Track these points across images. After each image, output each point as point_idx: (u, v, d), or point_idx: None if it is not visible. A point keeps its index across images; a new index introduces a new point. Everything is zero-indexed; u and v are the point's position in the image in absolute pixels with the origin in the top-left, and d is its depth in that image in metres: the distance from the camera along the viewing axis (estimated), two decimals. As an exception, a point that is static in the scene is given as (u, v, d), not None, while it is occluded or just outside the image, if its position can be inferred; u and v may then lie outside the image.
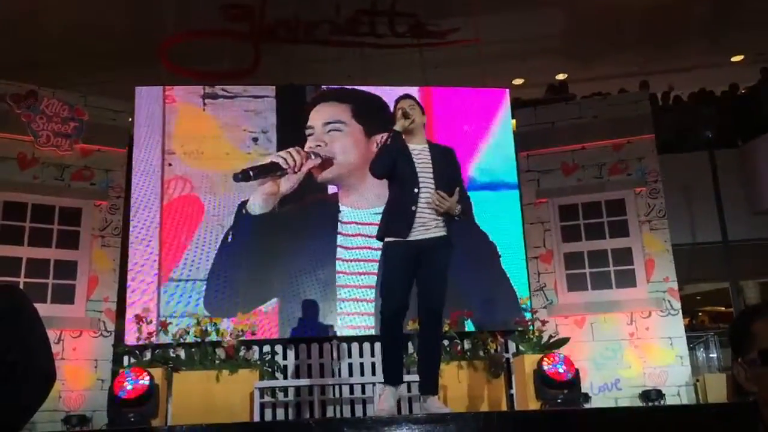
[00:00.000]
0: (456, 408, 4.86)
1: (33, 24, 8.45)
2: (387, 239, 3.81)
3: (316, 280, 6.45)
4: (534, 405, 5.33)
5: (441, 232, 3.78)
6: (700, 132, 8.00)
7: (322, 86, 7.17)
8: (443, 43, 7.72)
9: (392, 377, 3.84)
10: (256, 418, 5.22)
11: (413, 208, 3.73)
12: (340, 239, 6.57)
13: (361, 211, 6.63)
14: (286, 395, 5.96)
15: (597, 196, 6.95)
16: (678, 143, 8.47)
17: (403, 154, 3.81)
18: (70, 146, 6.40)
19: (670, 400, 6.22)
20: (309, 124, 6.85)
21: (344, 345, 6.28)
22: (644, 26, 9.84)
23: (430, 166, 3.82)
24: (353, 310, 6.44)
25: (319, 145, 6.70)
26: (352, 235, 6.56)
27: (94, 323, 6.12)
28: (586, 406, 5.87)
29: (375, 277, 6.39)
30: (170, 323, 5.60)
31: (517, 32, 9.71)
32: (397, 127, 3.83)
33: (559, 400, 5.24)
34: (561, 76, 10.93)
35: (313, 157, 6.62)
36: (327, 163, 6.67)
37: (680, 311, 6.55)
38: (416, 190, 3.75)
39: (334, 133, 6.80)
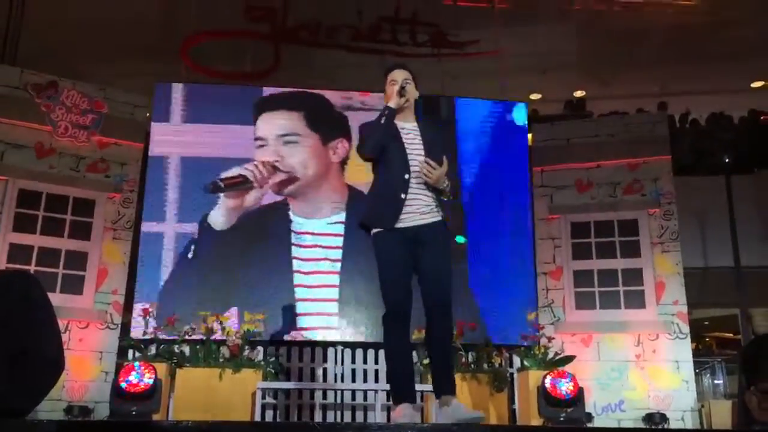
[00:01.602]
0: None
1: (56, 16, 8.54)
2: (375, 230, 3.40)
3: (274, 290, 6.29)
4: (536, 421, 5.30)
5: (437, 216, 3.41)
6: (716, 156, 7.97)
7: (265, 90, 6.94)
8: (463, 54, 7.74)
9: (406, 392, 3.31)
10: (257, 419, 5.22)
11: (402, 195, 3.33)
12: (294, 250, 6.39)
13: (315, 220, 6.48)
14: (287, 397, 5.96)
15: (610, 215, 6.91)
16: (694, 166, 8.44)
17: (393, 135, 3.42)
18: (88, 138, 6.44)
19: (674, 425, 6.15)
20: (259, 135, 6.65)
21: (347, 350, 6.27)
22: (665, 47, 9.82)
23: (421, 147, 3.43)
24: (317, 324, 6.28)
25: (278, 160, 6.52)
26: (309, 246, 6.38)
27: (101, 315, 6.14)
28: (589, 425, 5.83)
29: (337, 290, 6.29)
30: (177, 319, 5.60)
31: (536, 47, 9.71)
32: (392, 104, 3.41)
33: (561, 418, 5.20)
34: (579, 93, 10.92)
35: (277, 171, 6.47)
36: (292, 179, 6.52)
37: (689, 335, 6.49)
38: (407, 176, 3.36)
39: (291, 146, 6.62)
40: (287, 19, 7.55)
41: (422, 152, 3.41)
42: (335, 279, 6.35)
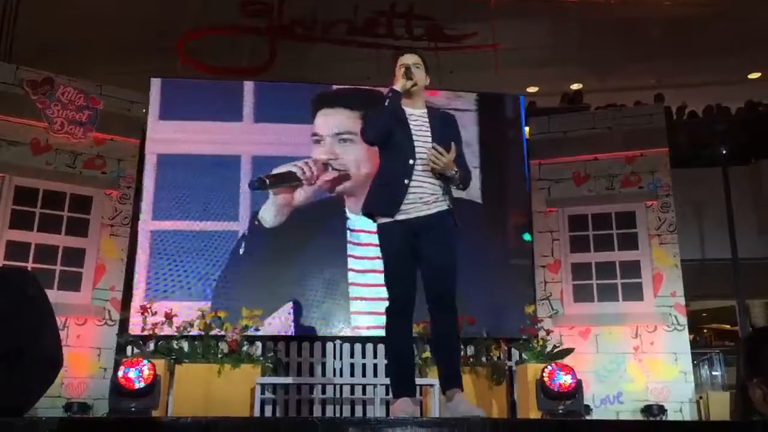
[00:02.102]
0: (457, 413, 4.84)
1: (52, 13, 8.50)
2: (379, 221, 3.29)
3: (328, 289, 6.34)
4: (535, 414, 5.31)
5: (443, 206, 3.27)
6: (713, 148, 7.96)
7: (331, 86, 6.95)
8: (460, 47, 7.72)
9: (405, 386, 3.22)
10: (256, 414, 5.22)
11: (406, 181, 3.20)
12: (350, 248, 6.41)
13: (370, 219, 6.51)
14: (286, 393, 5.96)
15: (607, 208, 6.91)
16: (691, 158, 8.44)
17: (400, 119, 3.30)
18: (84, 134, 6.43)
19: (673, 416, 6.18)
20: (316, 131, 6.67)
21: (347, 345, 6.27)
22: (661, 39, 9.81)
23: (429, 134, 3.30)
24: (370, 323, 6.28)
25: (332, 158, 6.54)
26: (364, 245, 6.35)
27: (99, 312, 6.14)
28: (588, 418, 5.84)
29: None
30: (175, 315, 5.59)
31: (534, 40, 9.71)
32: (398, 87, 3.31)
33: (560, 411, 5.22)
34: (576, 86, 10.91)
35: (330, 169, 6.49)
36: (343, 177, 6.52)
37: (686, 327, 6.51)
38: (411, 162, 3.22)
39: (347, 145, 6.61)
40: (283, 15, 7.52)
41: (429, 139, 3.29)
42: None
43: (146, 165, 6.47)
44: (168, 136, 6.58)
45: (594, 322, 6.62)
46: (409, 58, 3.40)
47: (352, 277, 6.37)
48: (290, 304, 6.26)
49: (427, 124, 3.34)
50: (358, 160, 6.58)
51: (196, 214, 6.40)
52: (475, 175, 6.40)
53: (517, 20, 9.02)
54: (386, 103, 3.28)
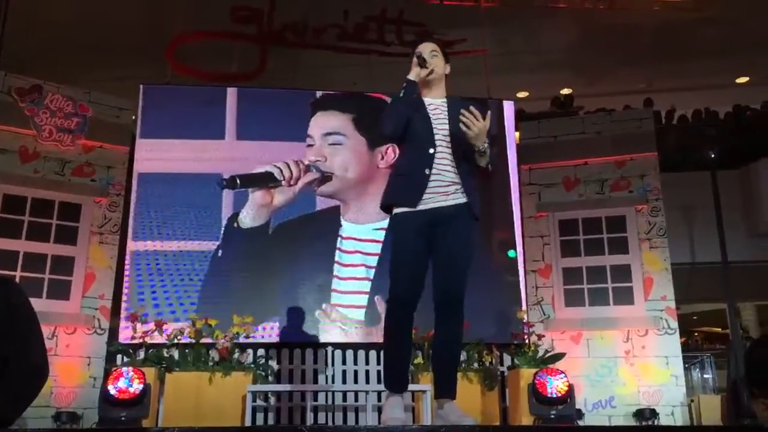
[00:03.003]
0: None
1: (40, 19, 8.46)
2: (396, 210, 3.14)
3: (312, 292, 6.30)
4: (527, 419, 5.30)
5: (462, 198, 3.12)
6: (702, 152, 8.00)
7: (319, 92, 6.92)
8: (449, 52, 7.71)
9: (396, 382, 3.11)
10: (248, 422, 5.19)
11: (426, 171, 3.07)
12: (338, 255, 6.39)
13: (360, 226, 6.45)
14: (278, 400, 5.93)
15: (598, 212, 6.94)
16: (680, 162, 8.48)
17: (418, 109, 3.18)
18: (73, 141, 6.39)
19: (664, 420, 6.19)
20: (309, 133, 6.64)
21: (338, 352, 6.25)
22: (650, 44, 9.87)
23: (447, 123, 3.17)
24: (332, 331, 6.28)
25: (319, 160, 6.47)
26: (350, 252, 6.36)
27: (88, 320, 6.09)
28: (580, 423, 5.85)
29: (366, 297, 6.27)
30: (165, 323, 5.56)
31: (523, 45, 9.74)
32: (412, 76, 3.18)
33: (552, 416, 5.21)
34: (566, 91, 10.95)
35: (313, 171, 6.41)
36: (326, 178, 6.46)
37: (677, 330, 6.53)
38: (432, 151, 3.10)
39: (335, 147, 6.57)
40: (273, 20, 7.52)
41: (448, 128, 3.16)
42: (367, 285, 6.30)
43: (135, 183, 6.43)
44: (154, 155, 6.52)
45: (585, 326, 6.63)
46: (426, 47, 3.28)
47: (335, 283, 6.35)
48: (282, 312, 6.23)
49: (446, 113, 3.21)
50: (346, 163, 6.54)
51: (178, 233, 6.34)
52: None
53: (506, 25, 9.06)
54: (400, 94, 3.15)
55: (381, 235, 6.34)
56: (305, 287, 6.34)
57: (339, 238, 6.43)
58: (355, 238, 6.42)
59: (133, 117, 6.77)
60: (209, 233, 6.38)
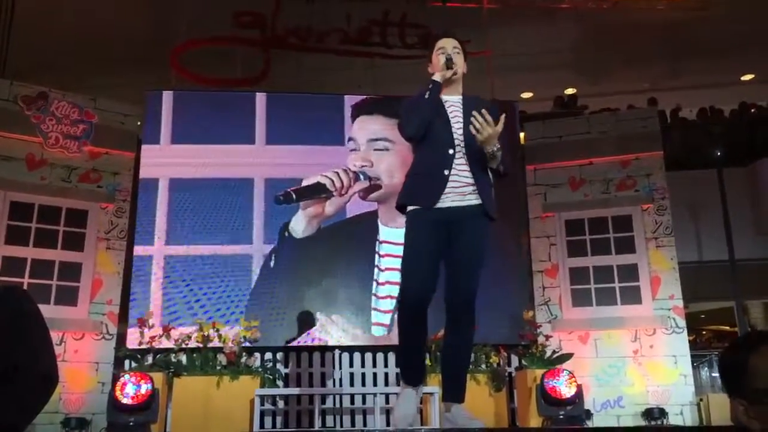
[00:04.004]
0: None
1: (45, 27, 8.51)
2: (411, 208, 3.10)
3: (353, 302, 6.32)
4: (536, 420, 5.29)
5: (477, 199, 3.08)
6: (708, 150, 7.99)
7: (363, 95, 6.89)
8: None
9: (412, 375, 3.10)
10: (256, 426, 5.20)
11: (446, 172, 3.03)
12: (377, 259, 6.37)
13: (396, 230, 6.33)
14: (286, 403, 5.94)
15: (604, 212, 6.92)
16: (686, 161, 8.46)
17: (437, 108, 3.14)
18: (79, 148, 6.42)
19: (673, 419, 6.16)
20: (352, 136, 6.63)
21: (345, 354, 6.25)
22: (654, 43, 9.85)
23: (462, 123, 3.13)
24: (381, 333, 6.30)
25: (365, 165, 6.46)
26: (385, 256, 6.33)
27: (96, 326, 6.11)
28: (588, 423, 5.83)
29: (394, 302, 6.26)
30: (173, 328, 5.58)
31: (527, 46, 9.73)
32: (438, 77, 3.12)
33: (561, 417, 5.20)
34: (570, 91, 10.94)
35: (361, 178, 6.39)
36: (375, 186, 6.43)
37: (685, 329, 6.51)
38: (451, 152, 3.06)
39: (381, 153, 6.55)
40: (277, 25, 7.54)
41: (463, 128, 3.12)
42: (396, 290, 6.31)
43: (159, 189, 6.46)
44: (160, 160, 6.54)
45: (593, 326, 6.61)
46: (449, 43, 3.22)
47: (374, 288, 6.35)
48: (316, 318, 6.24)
49: (462, 112, 3.16)
50: (392, 168, 6.50)
51: (209, 238, 6.37)
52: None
53: (509, 27, 9.06)
54: (426, 95, 3.10)
55: None
56: (342, 294, 6.33)
57: (377, 242, 6.42)
58: (389, 242, 6.38)
59: (139, 123, 6.80)
60: (216, 237, 6.39)
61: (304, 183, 6.31)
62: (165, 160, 6.54)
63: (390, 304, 6.28)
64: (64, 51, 8.83)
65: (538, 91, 11.01)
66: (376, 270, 6.36)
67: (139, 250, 6.29)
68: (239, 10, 7.46)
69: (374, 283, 6.34)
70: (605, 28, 9.50)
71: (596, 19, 9.28)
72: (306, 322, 6.22)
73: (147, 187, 6.45)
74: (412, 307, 3.03)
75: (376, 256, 6.38)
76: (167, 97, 6.73)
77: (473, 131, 3.01)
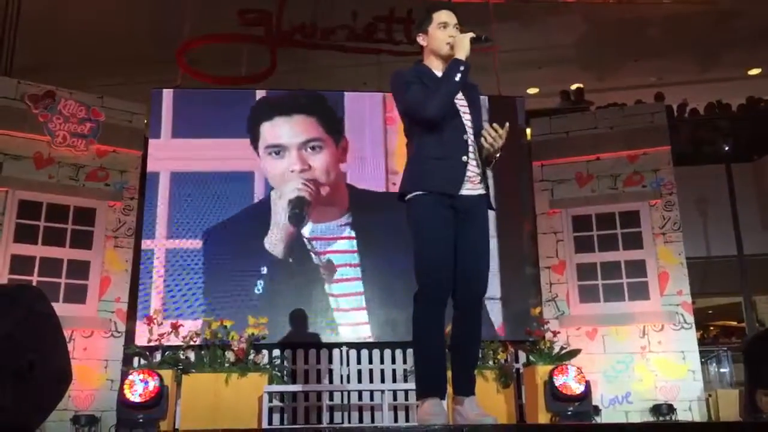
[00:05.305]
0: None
1: (53, 26, 8.54)
2: (422, 193, 2.91)
3: (358, 298, 6.36)
4: (544, 417, 5.29)
5: (482, 189, 3.01)
6: (716, 145, 7.96)
7: (258, 94, 6.86)
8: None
9: (434, 385, 2.86)
10: (265, 423, 5.22)
11: (464, 158, 2.93)
12: (315, 259, 6.36)
13: (326, 224, 6.43)
14: (294, 400, 5.95)
15: (611, 207, 6.90)
16: (694, 156, 8.44)
17: None
18: (86, 146, 6.44)
19: (682, 415, 6.15)
20: (278, 143, 6.57)
21: (353, 351, 6.27)
22: (661, 38, 9.81)
23: (467, 105, 3.05)
24: (351, 335, 6.33)
25: (305, 168, 6.47)
26: (323, 253, 6.35)
27: (105, 323, 6.14)
28: (597, 419, 5.83)
29: (362, 297, 6.30)
30: (182, 325, 5.60)
31: (533, 41, 9.71)
32: (461, 55, 2.96)
33: (569, 413, 5.20)
34: (576, 86, 10.91)
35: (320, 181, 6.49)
36: (321, 185, 6.51)
37: (693, 325, 6.49)
38: (465, 137, 2.97)
39: (316, 153, 6.58)
40: (282, 22, 7.53)
41: (468, 112, 3.03)
42: (359, 285, 6.34)
43: (159, 182, 6.50)
44: (167, 154, 6.60)
45: (601, 322, 6.61)
46: (450, 18, 3.08)
47: (327, 287, 6.37)
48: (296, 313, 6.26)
49: (465, 99, 3.06)
50: (328, 166, 6.57)
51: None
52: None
53: (515, 22, 9.04)
54: (457, 78, 2.90)
55: (350, 232, 6.41)
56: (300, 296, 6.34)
57: (305, 240, 6.38)
58: (321, 238, 6.39)
59: (145, 121, 6.81)
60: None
61: (290, 199, 6.38)
62: (169, 154, 6.60)
63: (350, 303, 6.30)
64: (69, 50, 8.85)
65: (545, 86, 10.98)
66: (322, 270, 6.33)
67: (146, 243, 6.34)
68: (244, 8, 7.46)
69: (325, 283, 6.32)
70: (611, 23, 9.46)
71: (602, 14, 9.25)
72: (313, 319, 6.23)
73: (152, 182, 6.51)
74: (436, 300, 2.87)
75: (312, 255, 6.35)
76: (171, 94, 6.76)
77: (485, 144, 2.95)
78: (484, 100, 6.91)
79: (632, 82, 10.78)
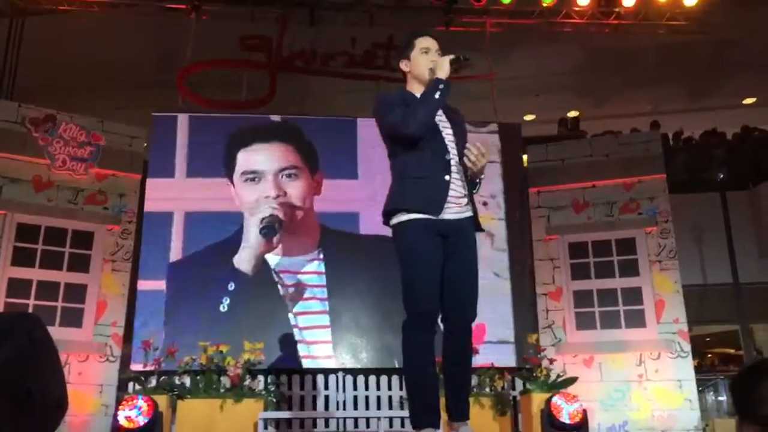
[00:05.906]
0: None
1: (53, 50, 8.61)
2: (405, 217, 2.90)
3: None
4: (541, 445, 5.26)
5: (470, 211, 3.02)
6: (711, 173, 8.02)
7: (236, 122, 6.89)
8: (456, 77, 7.77)
9: (429, 415, 2.82)
10: (260, 450, 5.18)
11: (447, 177, 2.92)
12: (282, 290, 6.29)
13: (295, 258, 6.37)
14: (289, 427, 5.91)
15: (607, 235, 6.92)
16: (689, 184, 8.49)
17: None
18: (86, 170, 6.46)
19: (679, 445, 6.12)
20: (254, 168, 6.55)
21: (349, 377, 6.24)
22: (656, 67, 9.93)
23: (450, 126, 3.08)
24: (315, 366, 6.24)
25: (279, 195, 6.44)
26: (291, 286, 6.29)
27: (100, 348, 6.11)
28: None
29: (329, 331, 6.25)
30: (177, 350, 5.57)
31: (529, 69, 9.81)
32: (442, 75, 3.00)
33: (566, 441, 5.18)
34: (572, 114, 11.01)
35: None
36: (297, 212, 6.49)
37: (690, 353, 6.48)
38: (448, 157, 2.96)
39: (291, 181, 6.56)
40: (282, 48, 7.62)
41: (451, 132, 3.05)
42: (325, 319, 6.28)
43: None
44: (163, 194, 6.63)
45: (597, 349, 6.59)
46: (432, 43, 3.13)
47: (292, 319, 6.29)
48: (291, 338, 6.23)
49: (447, 120, 3.10)
50: (303, 193, 6.56)
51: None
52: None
53: (512, 50, 9.14)
54: (437, 95, 2.94)
55: (320, 267, 6.34)
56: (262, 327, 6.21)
57: (273, 273, 6.32)
58: (291, 272, 6.32)
59: (145, 144, 6.85)
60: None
61: (263, 217, 6.32)
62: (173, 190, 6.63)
63: (319, 335, 6.24)
64: (71, 75, 8.92)
65: (541, 114, 11.07)
66: (285, 302, 6.26)
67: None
68: (245, 34, 7.55)
69: (290, 315, 6.23)
70: (607, 51, 9.57)
71: (598, 42, 9.36)
72: (308, 344, 6.21)
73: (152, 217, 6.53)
74: (426, 327, 2.85)
75: (279, 287, 6.27)
76: (173, 118, 6.81)
77: (468, 163, 2.95)
78: (493, 126, 7.05)
79: (628, 110, 10.87)
